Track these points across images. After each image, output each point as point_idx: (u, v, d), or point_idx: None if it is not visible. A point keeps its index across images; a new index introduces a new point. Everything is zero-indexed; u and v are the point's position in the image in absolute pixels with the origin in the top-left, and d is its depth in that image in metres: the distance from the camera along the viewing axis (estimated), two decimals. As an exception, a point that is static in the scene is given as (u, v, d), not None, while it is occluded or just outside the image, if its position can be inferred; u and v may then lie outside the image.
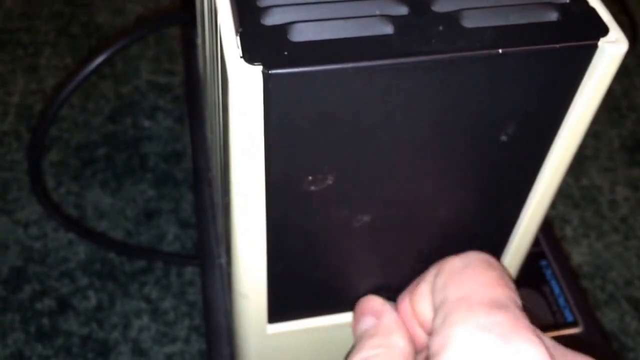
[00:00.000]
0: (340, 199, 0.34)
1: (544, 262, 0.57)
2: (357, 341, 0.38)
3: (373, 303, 0.39)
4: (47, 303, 0.74)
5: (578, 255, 0.81)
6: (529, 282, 0.56)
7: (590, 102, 0.33)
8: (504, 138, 0.33)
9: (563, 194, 0.86)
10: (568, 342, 0.53)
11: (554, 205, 0.85)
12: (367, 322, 0.39)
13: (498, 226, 0.39)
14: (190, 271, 0.77)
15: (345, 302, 0.42)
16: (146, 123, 0.90)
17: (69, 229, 0.78)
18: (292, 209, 0.34)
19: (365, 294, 0.41)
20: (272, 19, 0.30)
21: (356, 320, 0.40)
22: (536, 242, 0.59)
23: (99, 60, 0.61)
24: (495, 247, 0.41)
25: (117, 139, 0.88)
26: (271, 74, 0.28)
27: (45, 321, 0.73)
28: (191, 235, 0.80)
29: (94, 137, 0.88)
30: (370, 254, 0.39)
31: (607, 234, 0.83)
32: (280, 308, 0.41)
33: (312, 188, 0.33)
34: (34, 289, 0.75)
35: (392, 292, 0.41)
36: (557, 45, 0.30)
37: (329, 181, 0.33)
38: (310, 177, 0.33)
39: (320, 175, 0.33)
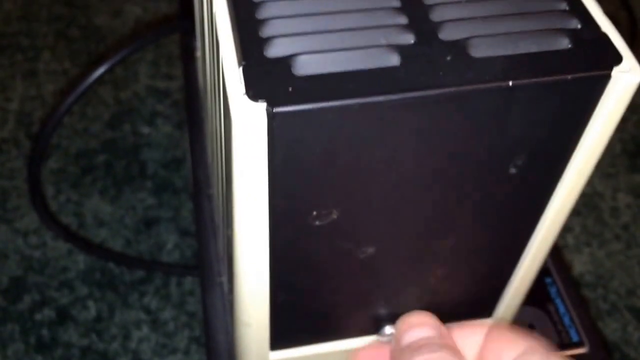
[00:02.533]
0: (344, 233, 0.34)
1: (548, 280, 0.56)
2: (412, 348, 0.38)
3: (429, 318, 0.39)
4: (47, 313, 0.73)
5: (580, 264, 0.80)
6: (534, 300, 0.55)
7: (602, 133, 0.32)
8: (512, 170, 0.32)
9: (566, 201, 0.85)
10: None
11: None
12: (425, 332, 0.38)
13: (505, 257, 0.39)
14: (189, 281, 0.76)
15: (347, 329, 0.41)
16: (145, 129, 0.89)
17: (68, 240, 0.77)
18: (297, 243, 0.33)
19: (366, 321, 0.40)
20: (275, 51, 0.29)
21: (408, 329, 0.39)
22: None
23: (99, 72, 0.60)
24: (502, 275, 0.40)
25: (116, 146, 0.87)
26: (275, 113, 0.27)
27: (44, 332, 0.72)
28: (191, 244, 0.79)
29: (93, 145, 0.87)
30: (374, 285, 0.38)
31: (609, 242, 0.82)
32: (283, 336, 0.40)
33: (317, 223, 0.32)
34: (34, 299, 0.74)
35: (392, 319, 0.40)
36: (569, 76, 0.29)
37: (334, 216, 0.32)
38: (314, 212, 0.32)
39: (325, 211, 0.32)
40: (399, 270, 0.37)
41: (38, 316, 0.73)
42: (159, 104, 0.92)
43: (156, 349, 0.72)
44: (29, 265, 0.76)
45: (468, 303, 0.42)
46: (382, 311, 0.40)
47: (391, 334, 0.41)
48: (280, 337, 0.40)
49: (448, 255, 0.37)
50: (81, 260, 0.77)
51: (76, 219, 0.81)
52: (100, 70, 0.59)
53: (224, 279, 0.52)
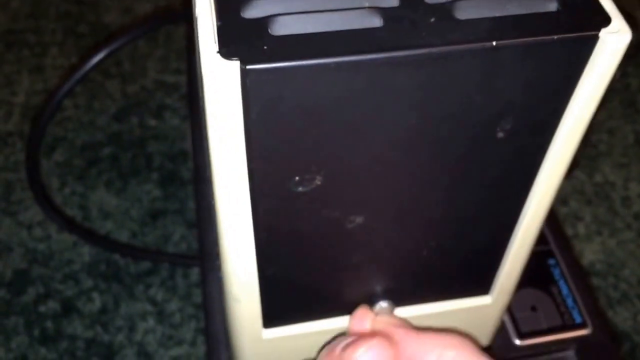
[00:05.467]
0: (330, 200, 0.33)
1: (551, 261, 0.55)
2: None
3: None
4: (52, 306, 0.73)
5: (590, 253, 0.79)
6: (537, 282, 0.54)
7: (591, 96, 0.32)
8: (500, 134, 0.32)
9: (576, 190, 0.85)
10: (577, 344, 0.52)
11: (566, 202, 0.83)
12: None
13: (497, 226, 0.38)
14: (196, 272, 0.76)
15: (340, 306, 0.40)
16: (152, 122, 0.89)
17: (70, 231, 0.77)
18: (280, 211, 0.33)
19: (360, 296, 0.39)
20: (253, 12, 0.28)
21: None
22: (544, 240, 0.57)
23: (96, 59, 0.60)
24: (494, 248, 0.39)
25: (122, 139, 0.87)
26: (249, 70, 0.26)
27: (49, 324, 0.72)
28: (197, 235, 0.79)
29: (100, 137, 0.87)
30: (365, 256, 0.37)
31: (620, 231, 0.82)
32: (275, 313, 0.40)
33: (300, 189, 0.32)
34: (38, 291, 0.74)
35: (386, 295, 0.39)
36: (555, 37, 0.29)
37: (318, 181, 0.31)
38: (297, 178, 0.31)
39: (308, 176, 0.31)
40: (389, 241, 0.37)
41: (42, 308, 0.73)
42: (168, 97, 0.92)
43: (162, 340, 0.72)
44: (33, 258, 0.76)
45: (463, 277, 0.41)
46: (375, 285, 0.39)
47: (386, 309, 0.40)
48: (273, 314, 0.40)
49: (439, 224, 0.36)
50: (86, 252, 0.77)
51: (81, 212, 0.80)
52: (99, 56, 0.59)
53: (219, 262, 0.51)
